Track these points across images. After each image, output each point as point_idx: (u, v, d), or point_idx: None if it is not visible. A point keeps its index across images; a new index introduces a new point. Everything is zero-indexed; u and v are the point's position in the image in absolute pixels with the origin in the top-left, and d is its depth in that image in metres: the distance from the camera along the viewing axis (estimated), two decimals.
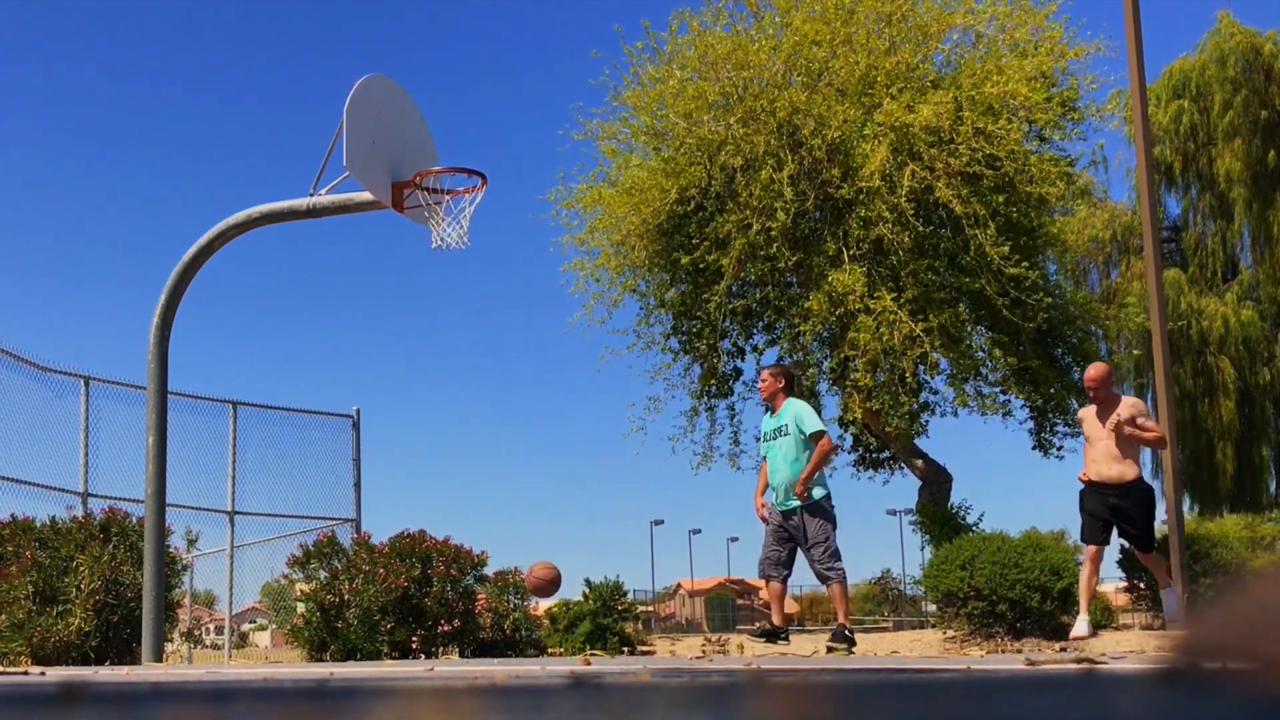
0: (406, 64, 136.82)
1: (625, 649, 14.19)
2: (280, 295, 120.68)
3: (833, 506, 9.42)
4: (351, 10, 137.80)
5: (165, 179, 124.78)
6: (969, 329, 15.04)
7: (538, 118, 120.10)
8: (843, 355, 14.47)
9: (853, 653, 9.20)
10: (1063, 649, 9.44)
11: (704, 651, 9.28)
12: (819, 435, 9.33)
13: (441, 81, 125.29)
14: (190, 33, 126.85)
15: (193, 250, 10.60)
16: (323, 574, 11.97)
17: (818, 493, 9.29)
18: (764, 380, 9.80)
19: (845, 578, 9.35)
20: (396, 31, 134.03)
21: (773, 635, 9.61)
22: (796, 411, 9.48)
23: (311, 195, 10.47)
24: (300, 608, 12.33)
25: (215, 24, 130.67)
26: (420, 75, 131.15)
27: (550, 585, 10.09)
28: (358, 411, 16.18)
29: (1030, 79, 14.18)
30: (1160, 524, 11.88)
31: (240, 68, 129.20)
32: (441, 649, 12.07)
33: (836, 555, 9.29)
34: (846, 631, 9.50)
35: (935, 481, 15.71)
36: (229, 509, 15.21)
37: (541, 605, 14.42)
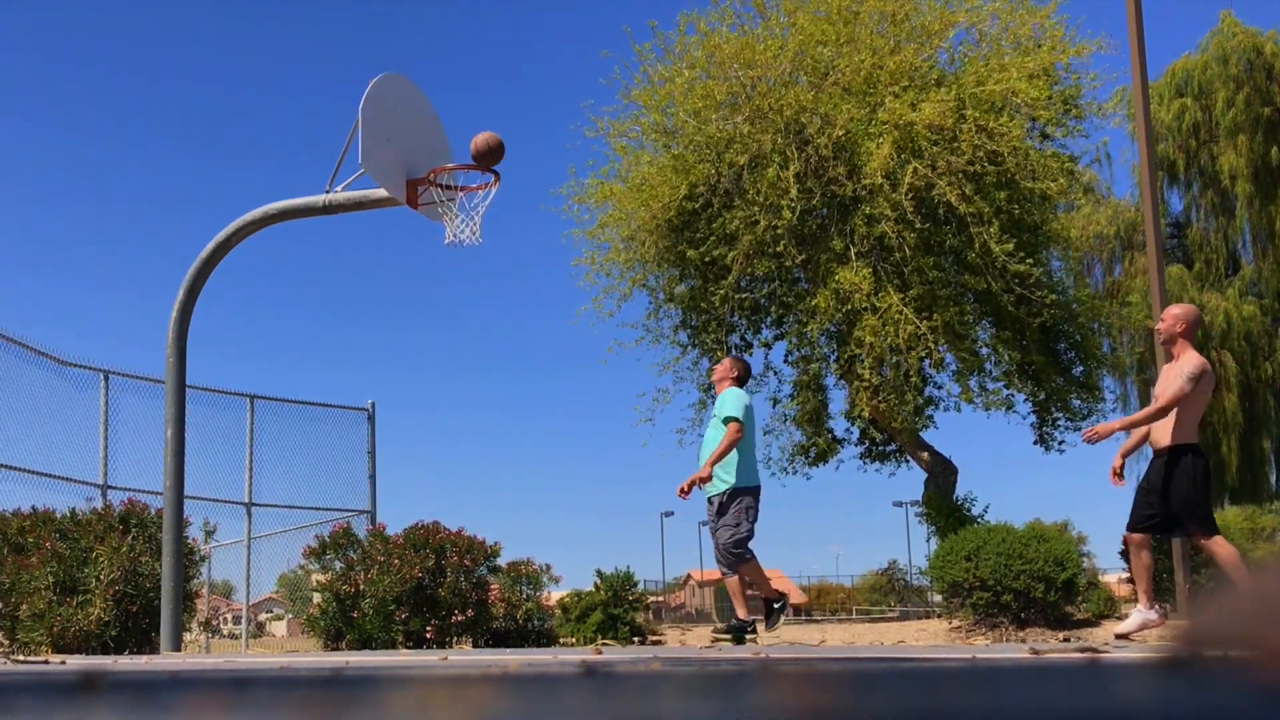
0: (421, 63, 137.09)
1: (636, 638, 14.35)
2: (297, 290, 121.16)
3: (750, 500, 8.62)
4: (368, 10, 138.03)
5: (185, 177, 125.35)
6: (973, 326, 15.18)
7: (553, 115, 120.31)
8: (850, 352, 14.62)
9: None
10: (1066, 639, 9.56)
11: (714, 641, 9.39)
12: (729, 420, 8.55)
13: (456, 80, 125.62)
14: (203, 34, 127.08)
15: (211, 245, 10.68)
16: (338, 565, 12.10)
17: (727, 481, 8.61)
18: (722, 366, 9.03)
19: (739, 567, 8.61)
20: (412, 31, 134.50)
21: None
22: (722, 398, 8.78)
23: (327, 192, 10.55)
24: (316, 598, 12.46)
25: (234, 27, 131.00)
26: (435, 74, 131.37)
27: None
28: (373, 405, 16.29)
29: (1032, 76, 14.32)
30: None
31: (258, 68, 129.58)
32: (455, 639, 12.21)
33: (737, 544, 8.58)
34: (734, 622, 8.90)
35: (941, 474, 15.87)
36: (246, 501, 15.33)
37: (553, 596, 14.43)
